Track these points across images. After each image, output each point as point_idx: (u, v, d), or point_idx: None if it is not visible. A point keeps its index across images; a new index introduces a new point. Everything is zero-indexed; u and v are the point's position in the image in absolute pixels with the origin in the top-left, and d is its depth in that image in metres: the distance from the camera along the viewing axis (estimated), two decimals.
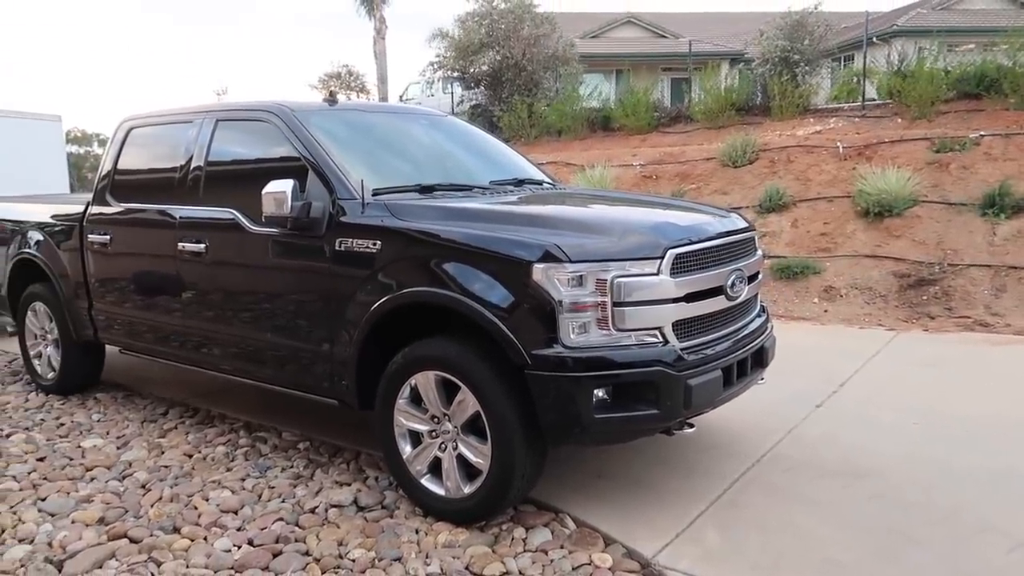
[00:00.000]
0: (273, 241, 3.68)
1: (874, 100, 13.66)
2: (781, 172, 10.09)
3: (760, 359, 3.49)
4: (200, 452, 4.17)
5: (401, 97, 25.43)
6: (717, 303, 3.18)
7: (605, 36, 27.71)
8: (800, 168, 10.04)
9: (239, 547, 3.09)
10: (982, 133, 9.59)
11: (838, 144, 10.26)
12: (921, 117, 11.37)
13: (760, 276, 3.70)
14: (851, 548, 2.87)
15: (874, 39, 19.28)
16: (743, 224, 3.60)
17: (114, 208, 4.71)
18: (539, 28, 18.43)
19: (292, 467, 3.90)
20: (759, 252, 3.69)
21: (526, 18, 18.54)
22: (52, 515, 3.43)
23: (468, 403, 3.04)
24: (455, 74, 19.88)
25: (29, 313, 5.45)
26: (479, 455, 3.06)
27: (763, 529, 3.04)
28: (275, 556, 3.00)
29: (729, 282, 3.21)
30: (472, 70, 18.97)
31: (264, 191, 3.41)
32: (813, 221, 8.97)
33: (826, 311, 7.41)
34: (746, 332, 3.40)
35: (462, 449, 3.13)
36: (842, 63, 20.97)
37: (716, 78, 15.01)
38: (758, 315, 3.64)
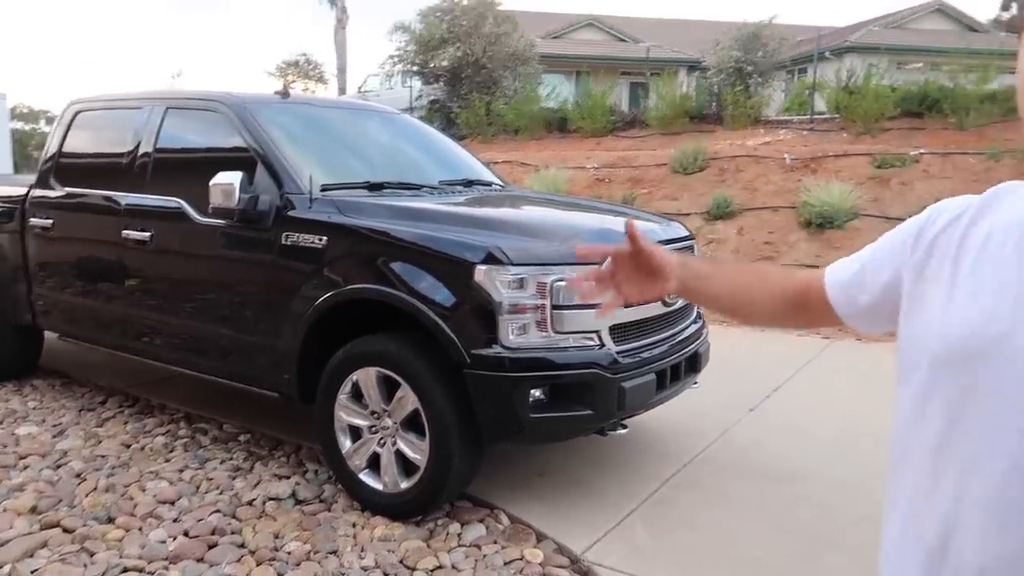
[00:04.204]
0: (219, 232, 3.68)
1: (823, 114, 14.04)
2: (730, 181, 10.34)
3: (694, 364, 3.61)
4: (138, 442, 4.13)
5: (360, 89, 25.14)
6: (653, 308, 3.29)
7: (566, 37, 27.85)
8: (748, 177, 10.30)
9: (174, 538, 3.09)
10: (922, 151, 9.96)
11: (785, 155, 10.55)
12: (866, 133, 11.75)
13: None
14: (772, 548, 3.01)
15: (827, 54, 19.79)
16: (684, 232, 3.73)
17: (58, 192, 4.63)
18: (501, 26, 18.49)
19: (232, 459, 3.90)
20: None
21: (488, 15, 18.59)
22: None
23: (408, 400, 3.09)
24: (415, 68, 19.80)
25: None
26: (417, 451, 3.11)
27: (690, 527, 3.16)
28: (210, 548, 3.01)
29: None
30: (432, 65, 18.93)
31: (212, 182, 3.41)
32: (758, 230, 9.22)
33: None
34: (681, 337, 3.52)
35: (401, 445, 3.17)
36: (795, 76, 21.47)
37: (672, 85, 15.26)
38: (693, 321, 3.77)
